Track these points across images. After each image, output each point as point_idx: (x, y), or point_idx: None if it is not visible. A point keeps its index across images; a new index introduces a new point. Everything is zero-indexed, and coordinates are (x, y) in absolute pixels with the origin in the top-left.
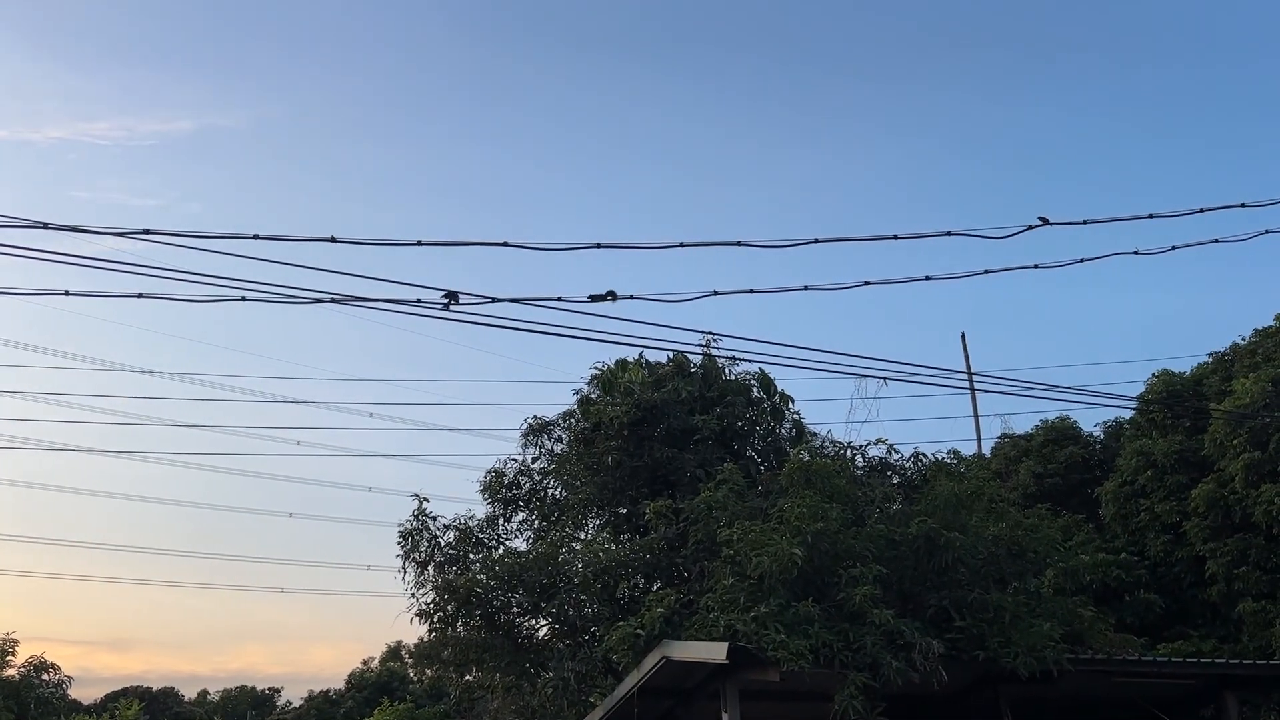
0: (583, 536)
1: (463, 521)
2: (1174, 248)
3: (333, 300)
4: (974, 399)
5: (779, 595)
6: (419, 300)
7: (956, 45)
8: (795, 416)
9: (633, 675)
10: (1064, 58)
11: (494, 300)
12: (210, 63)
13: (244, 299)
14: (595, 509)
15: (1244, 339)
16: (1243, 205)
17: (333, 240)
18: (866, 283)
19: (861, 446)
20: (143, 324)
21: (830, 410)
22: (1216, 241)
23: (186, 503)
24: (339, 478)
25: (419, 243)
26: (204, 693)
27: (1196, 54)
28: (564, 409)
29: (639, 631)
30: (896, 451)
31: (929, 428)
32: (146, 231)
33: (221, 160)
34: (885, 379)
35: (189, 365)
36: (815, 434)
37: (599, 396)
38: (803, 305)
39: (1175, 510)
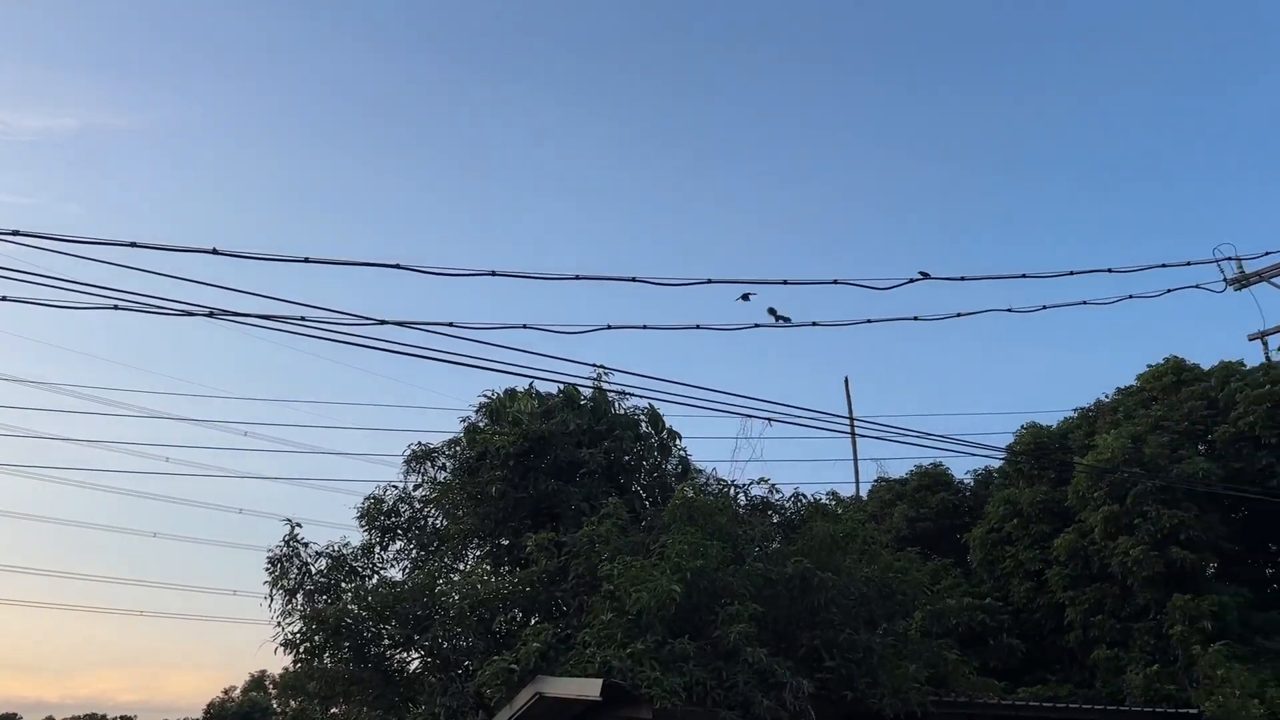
0: (462, 567)
1: (336, 549)
2: (1044, 307)
3: (209, 314)
4: (854, 443)
5: (656, 632)
6: (302, 318)
7: (851, 93)
8: (682, 453)
9: (505, 711)
10: (955, 101)
11: (381, 322)
12: (104, 61)
13: (116, 308)
14: (476, 540)
15: (1107, 396)
16: (1109, 270)
17: (214, 252)
18: (756, 325)
19: (745, 485)
20: (8, 330)
21: (716, 448)
22: (1084, 304)
23: (42, 517)
24: (209, 498)
25: (306, 260)
26: None
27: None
28: (450, 436)
29: (513, 666)
30: (778, 491)
31: (811, 469)
32: (15, 233)
33: (106, 161)
34: (770, 419)
35: (54, 374)
36: (701, 471)
37: (486, 425)
38: (694, 344)
39: (1038, 558)
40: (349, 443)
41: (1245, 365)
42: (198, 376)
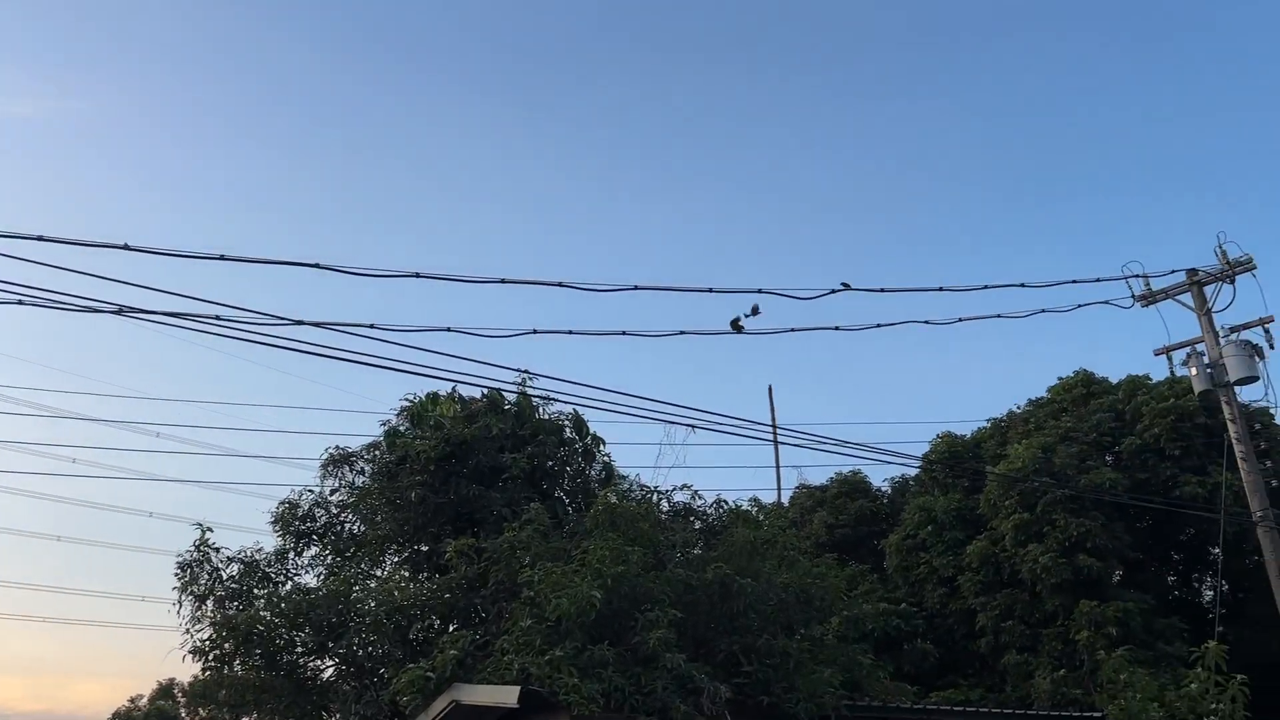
0: (379, 574)
1: (249, 554)
2: (961, 320)
3: (118, 311)
4: (776, 450)
5: (576, 638)
6: (216, 317)
7: (783, 104)
8: (606, 459)
9: (420, 719)
10: (888, 111)
11: (298, 323)
12: (10, 50)
13: (21, 303)
14: (394, 546)
15: (1019, 407)
16: (1023, 285)
17: (126, 248)
18: (681, 332)
19: (668, 491)
20: None
21: (641, 454)
22: (999, 317)
23: None
24: (117, 500)
25: (222, 257)
26: None
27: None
28: (369, 440)
29: (429, 674)
30: (700, 497)
31: (734, 475)
32: None
33: (13, 152)
34: (694, 426)
35: None
36: (625, 477)
37: (407, 429)
38: (620, 350)
39: (951, 564)
40: (264, 446)
41: (1151, 379)
42: (106, 375)
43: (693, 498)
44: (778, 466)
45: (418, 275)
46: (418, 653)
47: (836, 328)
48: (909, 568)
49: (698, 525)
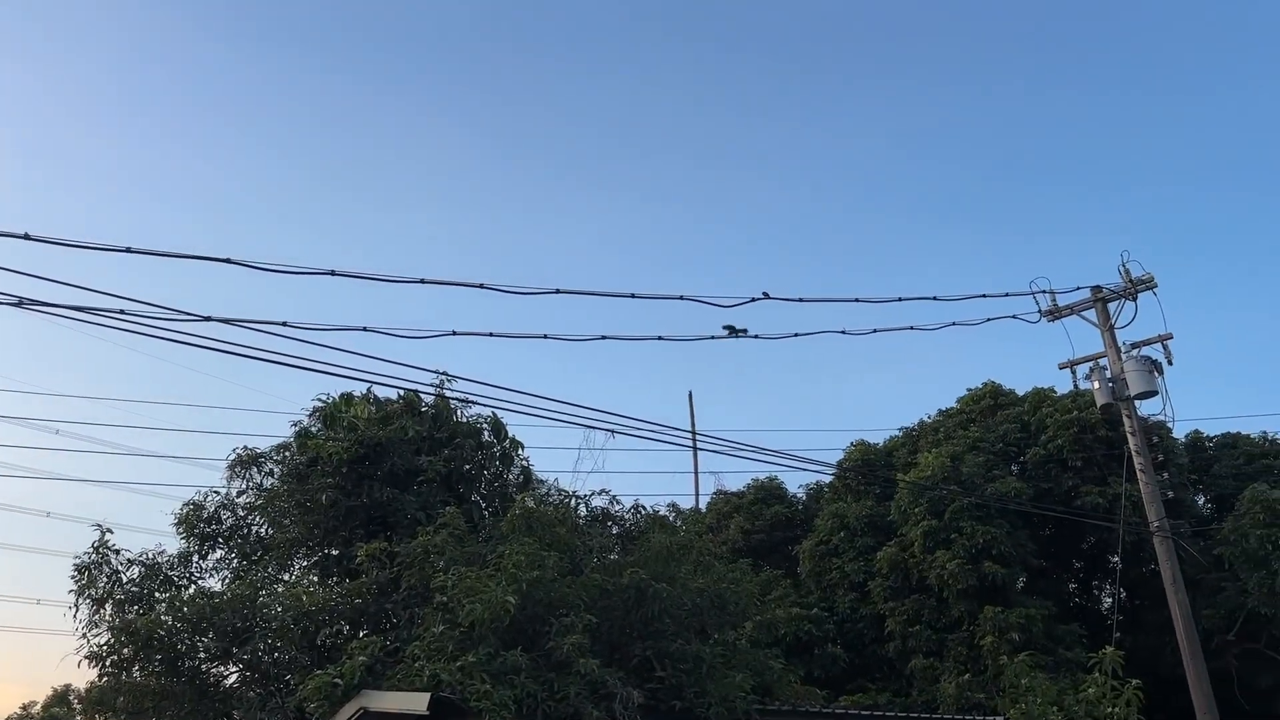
0: (287, 578)
1: (150, 556)
2: (875, 330)
3: (17, 303)
4: (695, 456)
5: (489, 644)
6: (121, 311)
7: (703, 112)
8: (525, 463)
9: None
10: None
11: (206, 319)
12: None
13: None
14: (304, 549)
15: (930, 417)
16: (935, 298)
17: (26, 238)
18: (603, 337)
19: (586, 496)
20: None
21: (560, 458)
22: (911, 329)
23: None
24: (14, 499)
25: (129, 249)
26: None
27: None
28: (279, 441)
29: (337, 680)
30: (619, 502)
31: (653, 481)
32: None
33: None
34: (613, 431)
35: None
36: (543, 481)
37: (319, 430)
38: (542, 354)
39: (862, 570)
40: (168, 445)
41: (1056, 392)
42: (3, 370)
43: (611, 503)
44: (696, 472)
45: (333, 273)
46: (326, 659)
47: (756, 336)
48: (821, 573)
49: (615, 530)
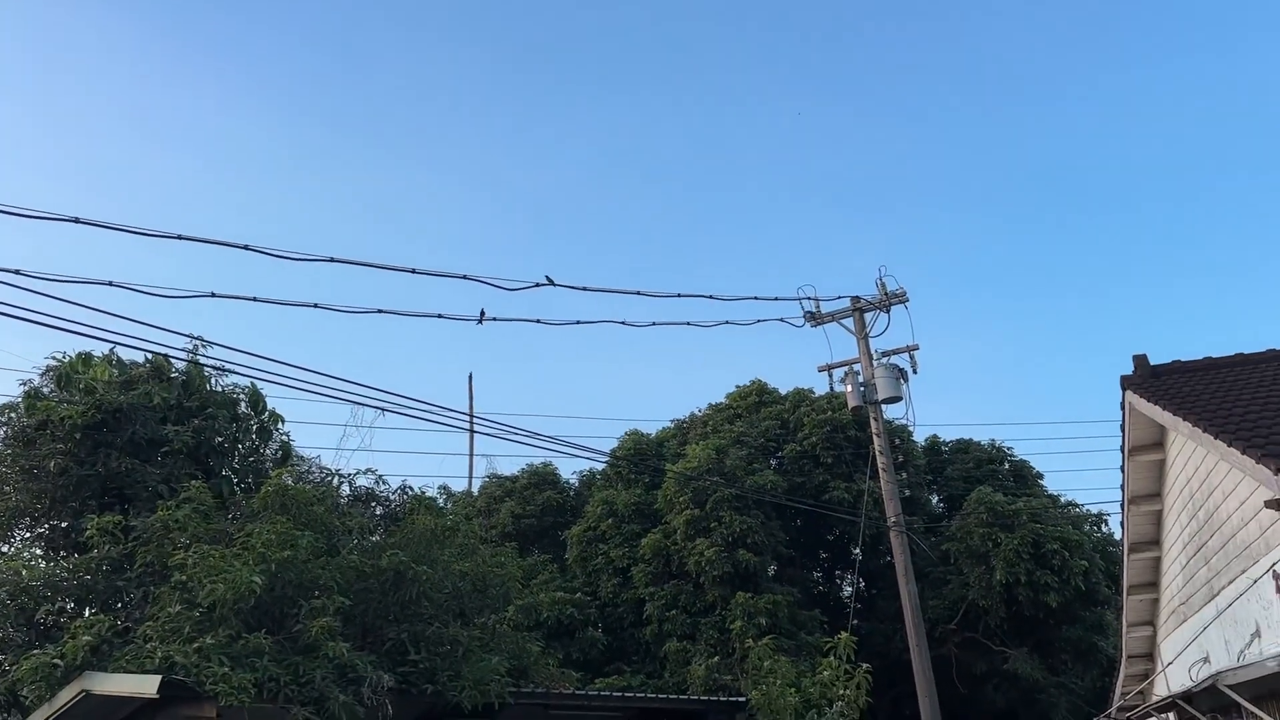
0: (7, 550)
1: None
2: (654, 324)
3: None
4: (471, 439)
5: (231, 625)
6: None
7: (506, 94)
8: (285, 438)
9: (43, 710)
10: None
11: None
12: None
13: None
14: (27, 520)
15: (700, 411)
16: (711, 297)
17: None
18: (380, 310)
19: (350, 475)
20: None
21: (326, 435)
22: (688, 324)
23: None
24: None
25: None
26: None
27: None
28: (4, 401)
29: (57, 661)
30: (385, 482)
31: (426, 462)
32: None
33: None
34: (383, 409)
35: None
36: (304, 458)
37: (51, 391)
38: (313, 325)
39: (627, 556)
40: None
41: (815, 393)
42: None
43: (377, 482)
44: (471, 455)
45: (77, 220)
46: (45, 638)
47: (539, 321)
48: (588, 558)
49: (380, 511)
